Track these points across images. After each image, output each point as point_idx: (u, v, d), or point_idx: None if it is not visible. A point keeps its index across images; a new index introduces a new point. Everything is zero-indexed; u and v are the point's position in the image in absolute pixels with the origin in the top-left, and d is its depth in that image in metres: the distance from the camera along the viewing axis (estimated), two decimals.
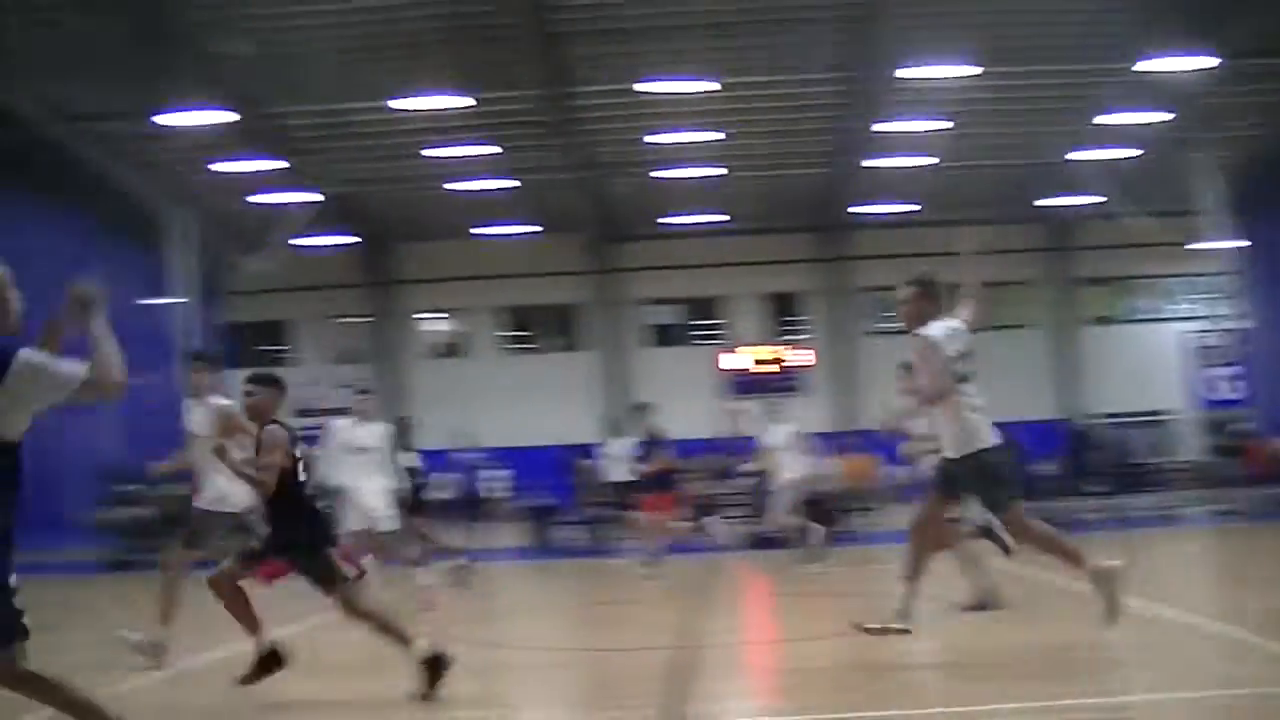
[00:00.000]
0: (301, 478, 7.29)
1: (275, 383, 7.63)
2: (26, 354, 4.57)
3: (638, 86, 23.50)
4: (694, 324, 37.68)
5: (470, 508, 24.10)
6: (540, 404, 34.23)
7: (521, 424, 32.63)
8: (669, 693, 7.09)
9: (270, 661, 7.28)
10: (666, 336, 37.32)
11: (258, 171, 26.32)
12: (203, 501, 9.03)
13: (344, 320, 37.67)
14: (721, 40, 22.97)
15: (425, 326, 37.90)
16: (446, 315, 38.17)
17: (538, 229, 33.68)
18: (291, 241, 29.88)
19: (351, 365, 37.13)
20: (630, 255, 36.15)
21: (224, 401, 9.06)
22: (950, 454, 7.60)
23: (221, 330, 32.87)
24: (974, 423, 7.54)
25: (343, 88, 23.75)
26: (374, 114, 24.97)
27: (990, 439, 7.55)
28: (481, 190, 29.93)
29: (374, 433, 12.32)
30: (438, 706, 6.72)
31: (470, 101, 23.37)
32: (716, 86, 23.67)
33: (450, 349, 38.28)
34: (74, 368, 4.64)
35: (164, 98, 22.03)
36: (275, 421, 7.33)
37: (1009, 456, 8.02)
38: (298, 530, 7.22)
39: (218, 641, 8.80)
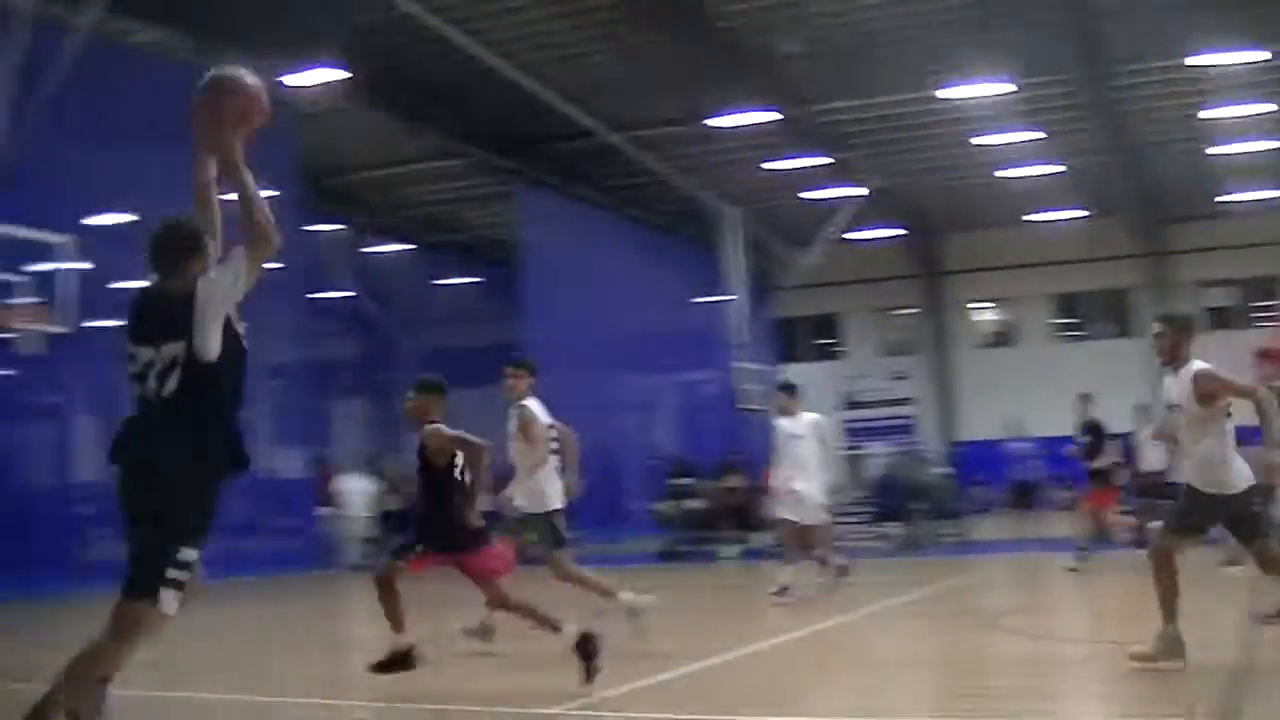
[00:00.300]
0: (458, 476, 7.65)
1: (435, 388, 8.09)
2: (203, 280, 4.83)
3: (1188, 61, 21.90)
4: (1253, 306, 34.77)
5: (1022, 496, 23.53)
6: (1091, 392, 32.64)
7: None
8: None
9: (402, 661, 7.38)
10: (1222, 319, 34.55)
11: (806, 168, 26.90)
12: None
13: (893, 312, 37.86)
14: (1272, 8, 20.86)
15: (974, 316, 37.35)
16: (995, 304, 37.39)
17: (1085, 213, 32.21)
18: (840, 236, 30.34)
19: (901, 357, 37.34)
20: (1183, 236, 33.84)
21: (529, 403, 9.70)
22: None
23: (772, 325, 33.94)
24: None
25: (888, 80, 23.79)
26: (920, 105, 24.84)
27: None
28: (1028, 176, 29.04)
29: (805, 425, 12.59)
30: (982, 697, 6.64)
31: (1012, 87, 22.76)
32: (1267, 56, 21.61)
33: (999, 338, 37.47)
34: (232, 254, 4.89)
35: (715, 101, 23.05)
36: (434, 422, 7.76)
37: None
38: (450, 526, 7.53)
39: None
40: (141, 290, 5.06)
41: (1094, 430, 14.78)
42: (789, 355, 37.41)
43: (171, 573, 4.53)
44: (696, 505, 21.71)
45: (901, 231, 33.85)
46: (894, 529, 21.14)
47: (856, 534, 23.17)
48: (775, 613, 11.41)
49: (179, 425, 4.72)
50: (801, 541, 12.55)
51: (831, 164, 26.83)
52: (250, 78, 5.13)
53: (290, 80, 20.62)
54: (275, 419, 35.98)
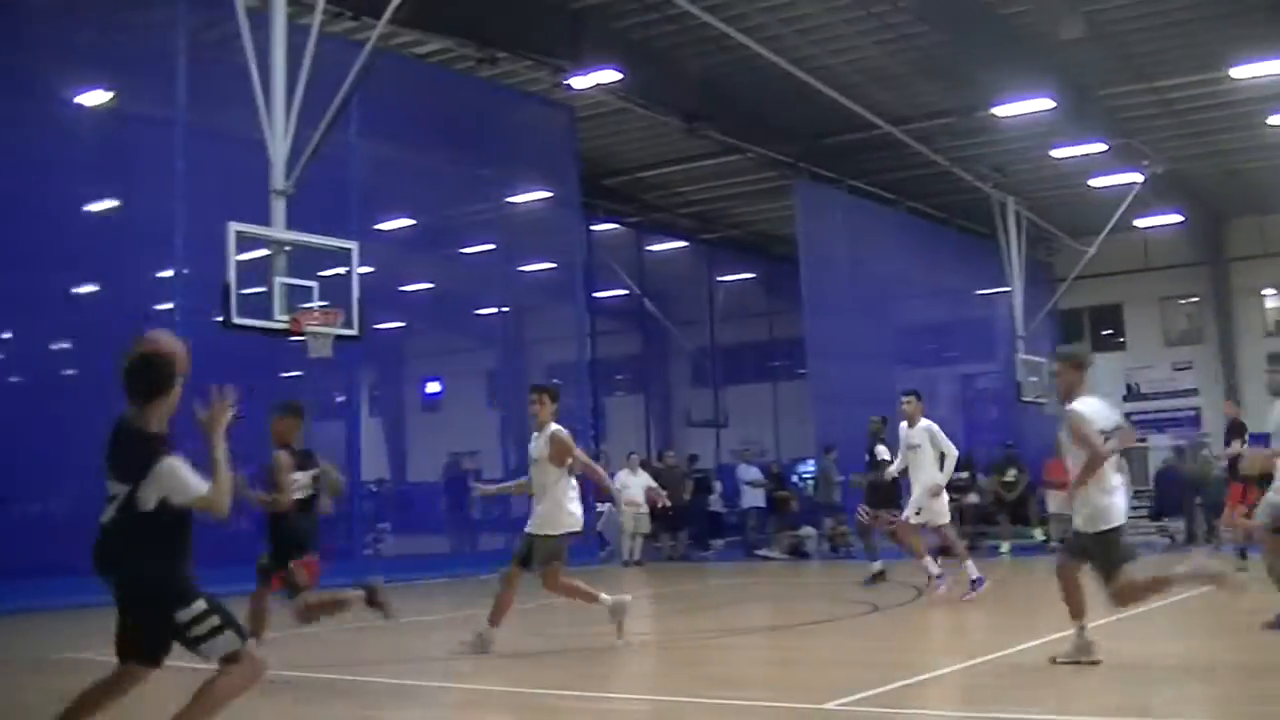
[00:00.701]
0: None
1: (294, 411, 8.80)
2: (170, 462, 5.19)
3: None
4: None
5: None
6: None
7: None
8: None
9: None
10: None
11: (1086, 155, 26.27)
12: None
13: (1176, 301, 36.46)
14: None
15: (1266, 304, 35.54)
16: None
17: None
18: (1121, 223, 29.46)
19: (1184, 347, 35.94)
20: None
21: (554, 428, 9.90)
22: None
23: (1052, 316, 33.22)
24: None
25: (1174, 61, 23.05)
26: (1207, 86, 23.95)
27: None
28: None
29: (920, 432, 13.77)
30: (1266, 702, 6.53)
31: None
32: None
33: None
34: (197, 485, 5.21)
35: (993, 90, 22.80)
36: (288, 446, 8.60)
37: None
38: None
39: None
40: (116, 421, 5.48)
41: None
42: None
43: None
44: (973, 500, 21.53)
45: (1184, 218, 32.55)
46: (1174, 524, 20.53)
47: (1135, 529, 22.64)
48: (1049, 609, 11.38)
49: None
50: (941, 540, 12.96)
51: (1112, 150, 26.09)
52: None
53: (571, 83, 21.55)
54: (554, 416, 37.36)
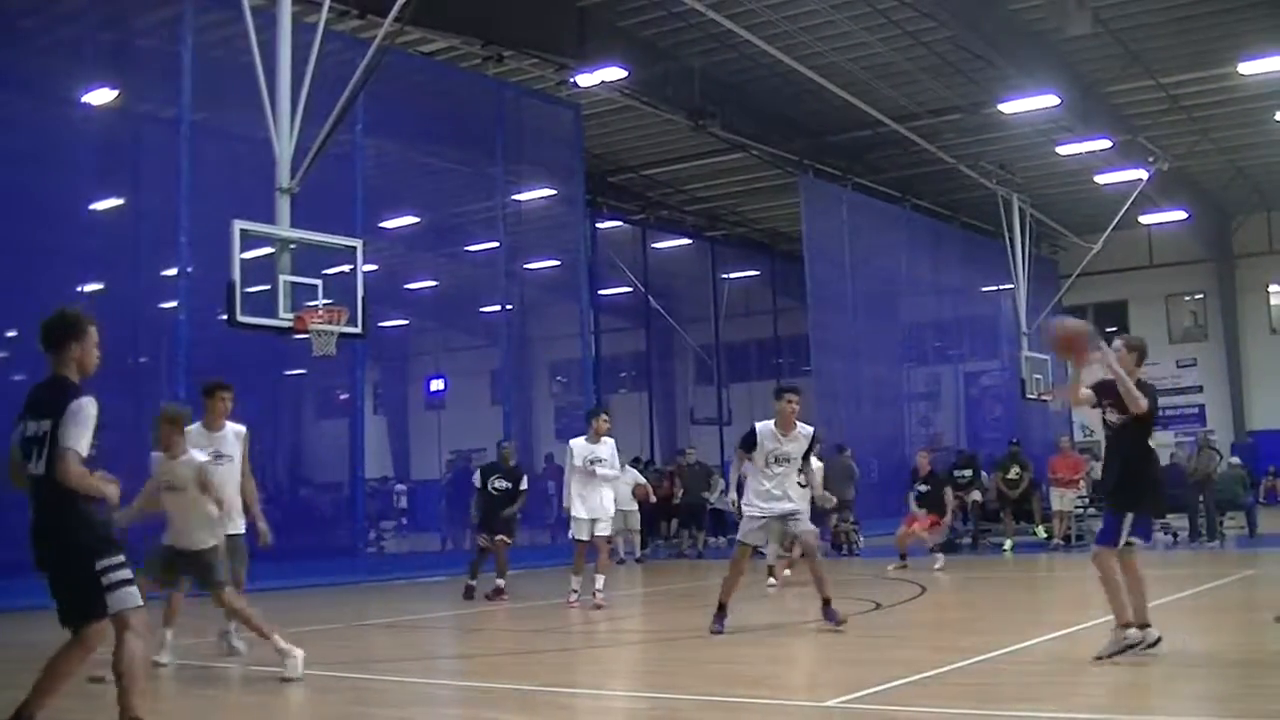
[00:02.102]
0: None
1: (176, 419, 8.59)
2: (81, 403, 5.61)
3: None
4: None
5: None
6: None
7: None
8: None
9: None
10: None
11: (1092, 152, 26.26)
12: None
13: (1181, 298, 36.44)
14: None
15: (1271, 301, 35.48)
16: None
17: None
18: (1126, 220, 29.44)
19: (1189, 344, 35.93)
20: None
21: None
22: None
23: (1059, 313, 33.19)
24: None
25: (1181, 58, 23.04)
26: (1214, 82, 23.95)
27: None
28: None
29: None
30: (1259, 697, 6.54)
31: None
32: None
33: None
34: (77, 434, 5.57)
35: (999, 87, 22.79)
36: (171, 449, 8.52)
37: None
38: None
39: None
40: None
41: None
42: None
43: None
44: (976, 497, 21.50)
45: (1189, 215, 32.52)
46: (1179, 521, 20.54)
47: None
48: (1052, 607, 11.43)
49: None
50: None
51: (1118, 147, 26.07)
52: None
53: (576, 80, 21.56)
54: (558, 413, 37.48)
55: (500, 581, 14.45)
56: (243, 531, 9.40)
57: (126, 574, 5.70)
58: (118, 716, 5.71)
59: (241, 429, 9.54)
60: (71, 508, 5.62)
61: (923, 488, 17.85)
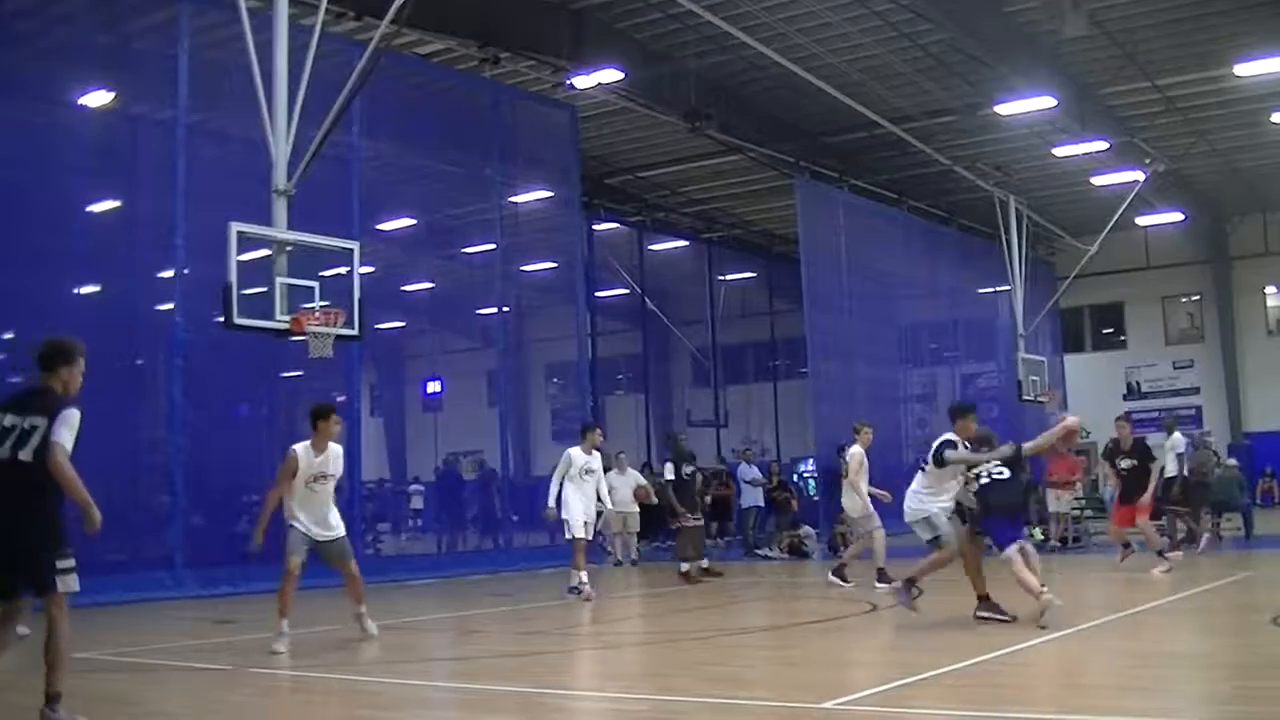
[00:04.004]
0: None
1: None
2: (72, 411, 6.36)
3: None
4: None
5: None
6: None
7: None
8: None
9: None
10: None
11: (1088, 154, 26.29)
12: None
13: (1178, 299, 36.49)
14: None
15: (1264, 303, 35.54)
16: None
17: None
18: (1122, 222, 29.48)
19: (1186, 345, 35.99)
20: None
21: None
22: None
23: (1054, 315, 33.24)
24: None
25: (1178, 59, 23.08)
26: (1211, 84, 23.99)
27: None
28: None
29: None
30: (1254, 700, 6.55)
31: None
32: None
33: None
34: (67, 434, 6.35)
35: (996, 89, 22.82)
36: None
37: None
38: None
39: None
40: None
41: None
42: (1071, 345, 36.58)
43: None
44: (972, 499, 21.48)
45: (1186, 216, 32.58)
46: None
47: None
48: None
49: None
50: None
51: (1114, 149, 26.11)
52: None
53: (573, 82, 21.55)
54: (554, 415, 37.47)
55: (704, 562, 17.17)
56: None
57: (73, 563, 6.49)
58: (44, 693, 6.29)
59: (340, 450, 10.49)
60: (50, 495, 6.34)
61: (1126, 464, 15.83)
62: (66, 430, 6.32)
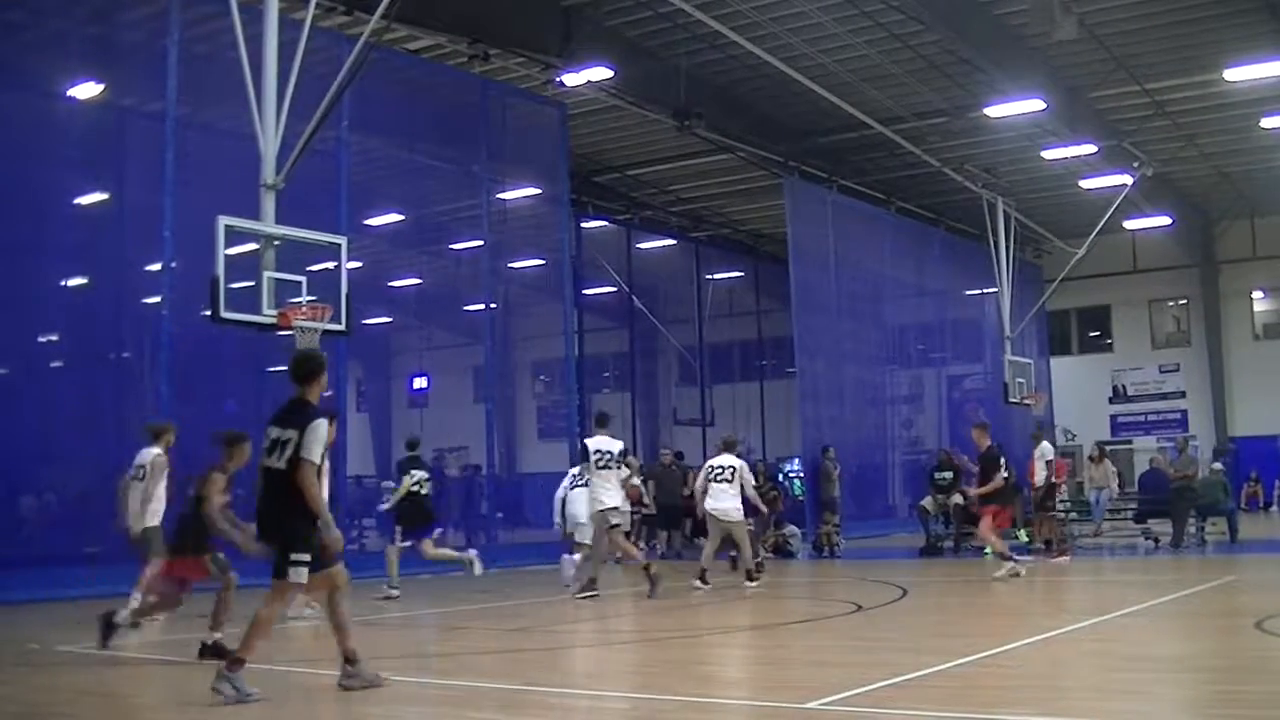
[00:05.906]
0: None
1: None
2: (320, 422, 7.38)
3: None
4: None
5: None
6: None
7: None
8: None
9: None
10: None
11: (1076, 157, 26.37)
12: None
13: (1164, 303, 36.60)
14: None
15: (1250, 307, 35.67)
16: (1274, 293, 35.66)
17: None
18: (1110, 225, 29.54)
19: (1172, 349, 36.10)
20: None
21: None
22: None
23: (1041, 318, 33.31)
24: None
25: (1167, 63, 23.15)
26: (1200, 88, 24.08)
27: None
28: None
29: None
30: (1238, 703, 6.57)
31: None
32: None
33: (1278, 330, 35.75)
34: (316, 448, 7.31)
35: (985, 91, 22.87)
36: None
37: None
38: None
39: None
40: None
41: None
42: (1057, 348, 36.67)
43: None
44: (958, 500, 21.50)
45: (1173, 220, 32.69)
46: (1160, 526, 20.61)
47: (1120, 531, 22.69)
48: (1032, 610, 11.46)
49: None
50: None
51: (1102, 152, 26.18)
52: None
53: (562, 79, 21.53)
54: (540, 412, 37.42)
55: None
56: None
57: (308, 558, 7.45)
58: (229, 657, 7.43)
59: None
60: (296, 498, 7.34)
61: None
62: (316, 444, 7.33)
